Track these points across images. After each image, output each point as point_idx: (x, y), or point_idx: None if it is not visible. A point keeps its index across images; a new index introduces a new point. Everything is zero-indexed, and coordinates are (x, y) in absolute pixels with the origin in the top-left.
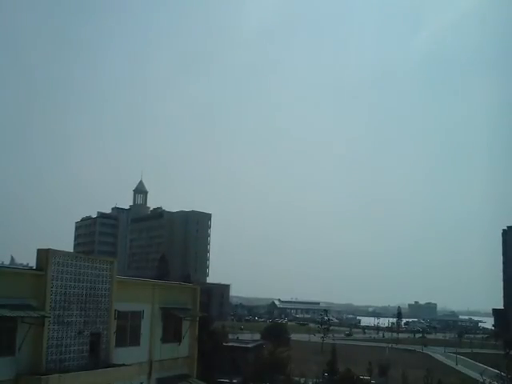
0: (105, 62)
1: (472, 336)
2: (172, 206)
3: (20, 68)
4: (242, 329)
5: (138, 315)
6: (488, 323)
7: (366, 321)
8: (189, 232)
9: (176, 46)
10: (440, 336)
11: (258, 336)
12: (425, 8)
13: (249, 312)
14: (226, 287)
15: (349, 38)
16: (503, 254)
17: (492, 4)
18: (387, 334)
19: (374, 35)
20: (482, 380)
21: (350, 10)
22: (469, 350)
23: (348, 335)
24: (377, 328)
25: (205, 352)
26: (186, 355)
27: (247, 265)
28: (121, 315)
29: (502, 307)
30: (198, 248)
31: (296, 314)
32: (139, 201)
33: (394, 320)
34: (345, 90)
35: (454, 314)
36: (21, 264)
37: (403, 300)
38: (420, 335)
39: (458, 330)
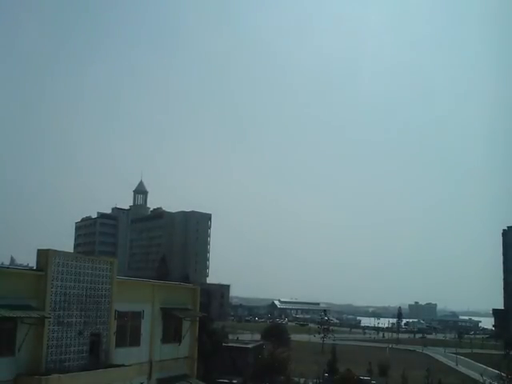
0: (106, 63)
1: (472, 336)
2: (172, 206)
3: (23, 67)
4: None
5: (138, 315)
6: (488, 323)
7: (366, 321)
8: (189, 232)
9: (177, 48)
10: (440, 336)
11: (258, 336)
12: None
13: (249, 312)
14: (226, 287)
15: None
16: (503, 255)
17: None
18: (387, 335)
19: None
20: (482, 380)
21: None
22: (469, 351)
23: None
24: (377, 328)
25: (205, 352)
26: (186, 355)
27: (247, 265)
28: (121, 315)
29: (502, 307)
30: (197, 248)
31: (296, 314)
32: (139, 201)
33: (394, 320)
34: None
35: (454, 314)
36: (21, 264)
37: (403, 300)
38: (420, 335)
39: (458, 330)
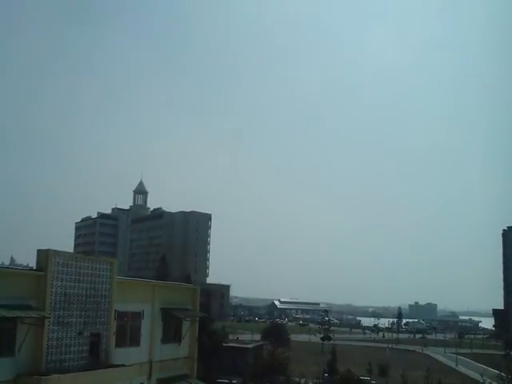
0: (106, 62)
1: (472, 336)
2: (172, 206)
3: (22, 66)
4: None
5: (138, 316)
6: (488, 323)
7: (367, 321)
8: (189, 232)
9: (179, 47)
10: (440, 336)
11: (258, 336)
12: None
13: (249, 312)
14: (226, 288)
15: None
16: (503, 255)
17: None
18: (387, 335)
19: None
20: (482, 380)
21: None
22: (469, 351)
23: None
24: (377, 328)
25: (205, 352)
26: (186, 356)
27: (247, 265)
28: (121, 315)
29: (502, 307)
30: (197, 248)
31: (296, 314)
32: (139, 201)
33: (394, 320)
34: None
35: (454, 314)
36: (21, 264)
37: (403, 300)
38: (420, 335)
39: (458, 330)
